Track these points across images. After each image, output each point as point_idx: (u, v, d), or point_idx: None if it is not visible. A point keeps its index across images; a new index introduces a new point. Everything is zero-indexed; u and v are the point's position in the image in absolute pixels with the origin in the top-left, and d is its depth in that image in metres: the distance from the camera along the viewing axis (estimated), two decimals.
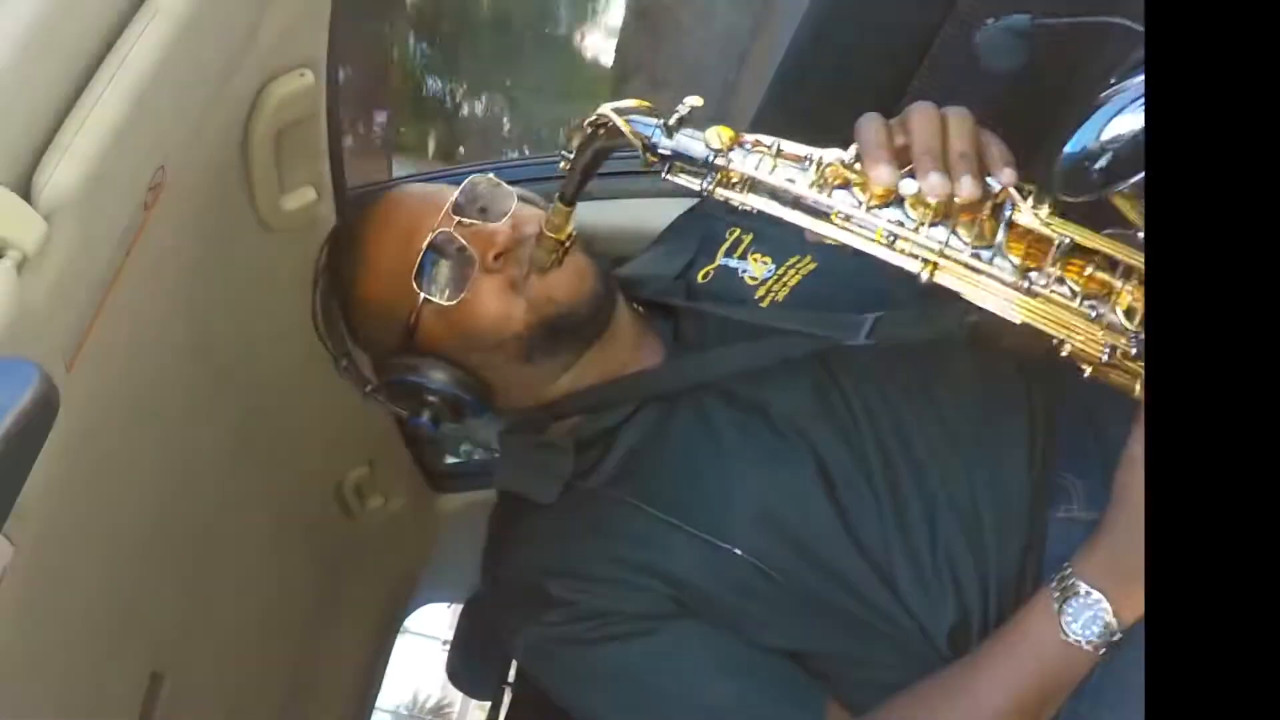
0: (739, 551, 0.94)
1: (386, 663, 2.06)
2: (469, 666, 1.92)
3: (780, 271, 1.09)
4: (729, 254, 1.13)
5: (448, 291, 0.99)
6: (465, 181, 1.02)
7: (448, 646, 2.04)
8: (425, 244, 0.98)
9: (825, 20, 1.13)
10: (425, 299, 0.99)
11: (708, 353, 1.05)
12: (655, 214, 1.34)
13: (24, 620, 0.89)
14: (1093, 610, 0.83)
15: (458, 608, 2.09)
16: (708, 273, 1.12)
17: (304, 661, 1.70)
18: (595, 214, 1.35)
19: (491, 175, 1.04)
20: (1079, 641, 0.83)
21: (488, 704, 1.97)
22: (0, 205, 0.71)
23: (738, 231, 1.16)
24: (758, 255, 1.12)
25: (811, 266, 1.09)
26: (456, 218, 0.99)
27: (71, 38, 0.78)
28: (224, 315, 1.20)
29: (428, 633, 5.71)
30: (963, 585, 0.95)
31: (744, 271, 1.11)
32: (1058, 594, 0.84)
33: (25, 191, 0.74)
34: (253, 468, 1.32)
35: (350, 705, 1.96)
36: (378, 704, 2.08)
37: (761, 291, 1.08)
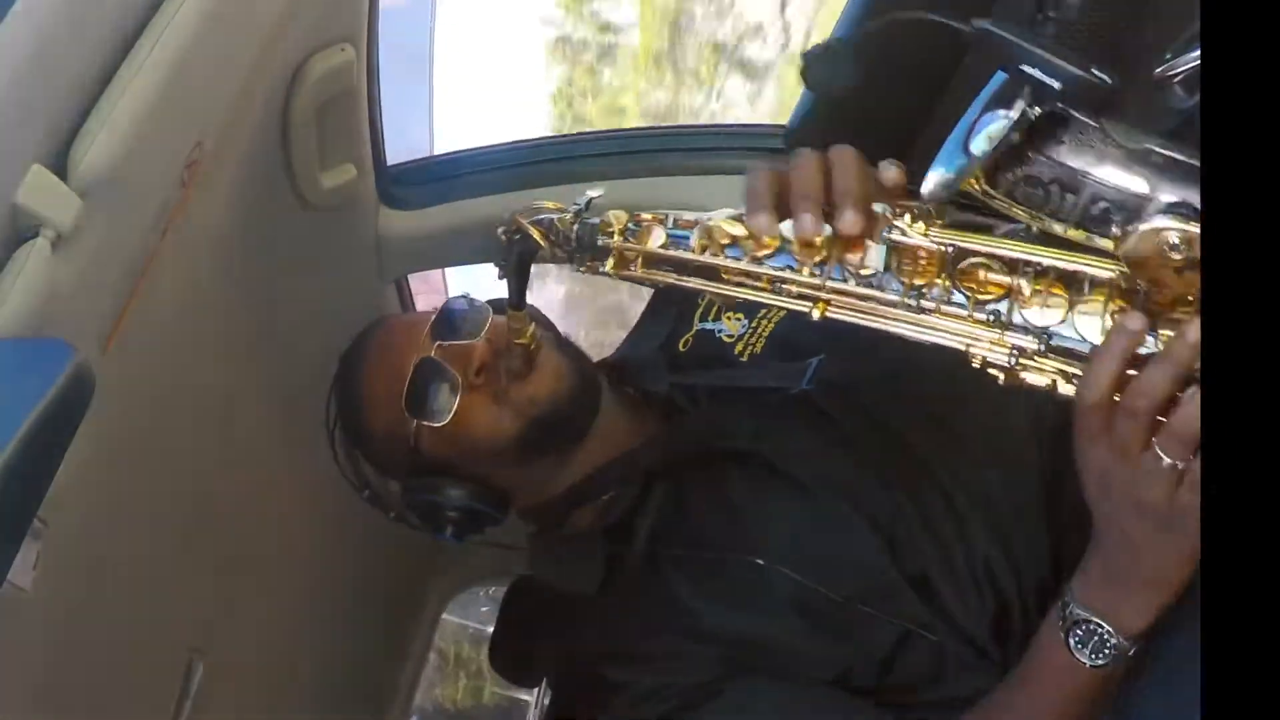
0: (780, 568, 0.98)
1: (429, 648, 2.07)
2: (512, 650, 1.90)
3: (754, 324, 1.15)
4: (704, 318, 1.19)
5: (438, 413, 1.03)
6: (442, 303, 1.08)
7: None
8: (410, 371, 1.04)
9: None
10: (419, 423, 1.04)
11: (699, 418, 1.13)
12: (710, 191, 1.33)
13: (61, 601, 0.89)
14: (1098, 636, 0.82)
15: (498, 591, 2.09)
16: (687, 340, 1.18)
17: (344, 646, 1.70)
18: (649, 192, 1.35)
19: (467, 294, 1.10)
20: (1094, 667, 0.83)
21: None
22: (35, 183, 0.70)
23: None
24: (730, 313, 1.18)
25: (781, 313, 1.13)
26: (436, 341, 1.04)
27: (107, 12, 0.77)
28: (263, 294, 1.20)
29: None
30: (996, 576, 0.97)
31: (720, 331, 1.16)
32: (1062, 624, 0.84)
33: (60, 169, 0.72)
34: (291, 448, 1.32)
35: (392, 691, 1.96)
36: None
37: (740, 347, 1.14)
